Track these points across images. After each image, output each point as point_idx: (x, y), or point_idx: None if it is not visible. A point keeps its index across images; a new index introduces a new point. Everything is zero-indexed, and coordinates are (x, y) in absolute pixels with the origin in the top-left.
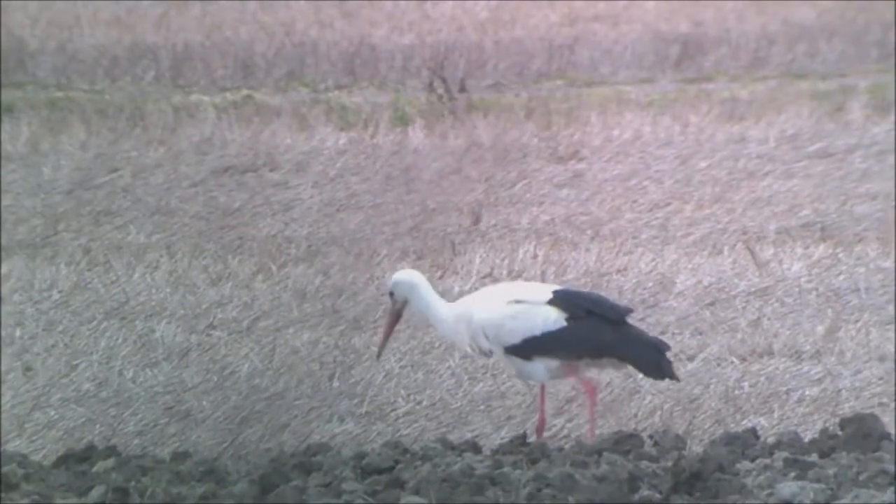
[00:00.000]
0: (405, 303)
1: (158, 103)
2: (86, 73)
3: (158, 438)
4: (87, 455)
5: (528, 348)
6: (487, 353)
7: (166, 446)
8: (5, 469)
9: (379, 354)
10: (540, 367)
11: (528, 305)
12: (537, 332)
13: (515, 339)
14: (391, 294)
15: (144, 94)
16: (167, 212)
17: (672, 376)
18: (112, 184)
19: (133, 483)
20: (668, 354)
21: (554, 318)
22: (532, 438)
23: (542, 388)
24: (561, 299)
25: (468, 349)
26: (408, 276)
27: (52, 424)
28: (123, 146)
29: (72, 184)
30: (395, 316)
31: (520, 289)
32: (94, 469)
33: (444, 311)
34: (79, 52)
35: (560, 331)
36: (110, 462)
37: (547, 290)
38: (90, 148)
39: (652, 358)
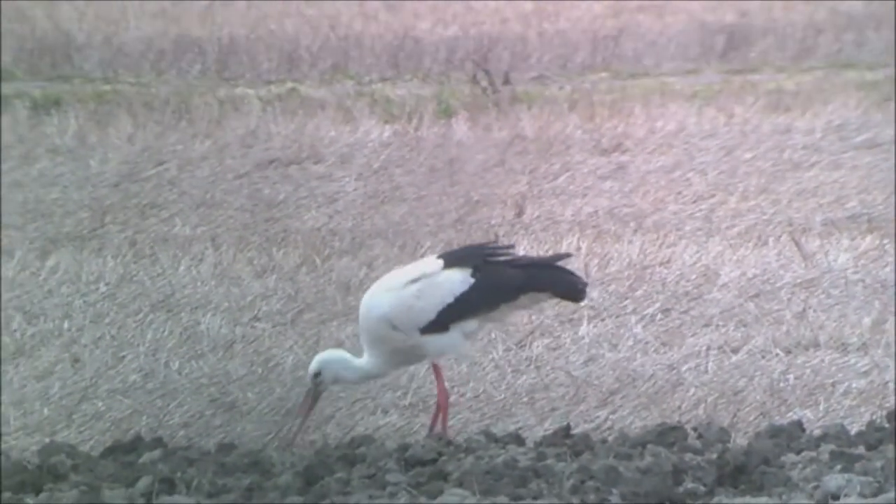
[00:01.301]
0: (335, 381)
1: (204, 96)
2: (132, 67)
3: (204, 430)
4: (133, 446)
5: (445, 318)
6: (406, 361)
7: (212, 438)
8: (54, 459)
9: (292, 442)
10: (456, 336)
11: (428, 279)
12: (449, 298)
13: (430, 315)
14: (316, 375)
15: (190, 87)
16: (212, 204)
17: (584, 296)
18: (158, 177)
19: (179, 474)
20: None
21: (460, 279)
22: (437, 430)
23: (437, 367)
24: (455, 260)
25: (391, 370)
26: (331, 356)
27: (100, 415)
28: (169, 139)
29: (119, 177)
30: (315, 398)
31: (406, 271)
32: (141, 460)
33: (359, 365)
34: (125, 46)
35: (472, 288)
36: (157, 453)
37: (434, 260)
38: (137, 141)
39: (568, 280)
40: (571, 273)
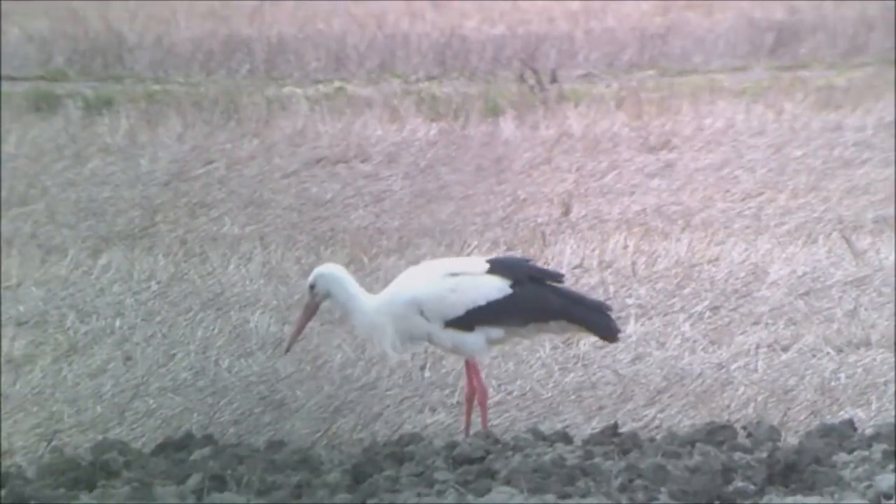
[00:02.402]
0: (326, 296)
1: (252, 96)
2: (182, 67)
3: (254, 427)
4: (184, 443)
5: (472, 319)
6: (412, 340)
7: (261, 435)
8: (107, 456)
9: (288, 349)
10: (480, 338)
11: (469, 277)
12: (482, 301)
13: (458, 311)
14: (311, 287)
15: (239, 86)
16: (261, 203)
17: (616, 338)
18: (207, 176)
19: (229, 471)
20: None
21: (498, 287)
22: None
23: (472, 364)
24: (500, 267)
25: (388, 346)
26: (331, 269)
27: (151, 413)
28: (218, 138)
29: (169, 175)
30: (312, 310)
31: (451, 263)
32: (192, 457)
33: (366, 304)
34: (176, 46)
35: (507, 298)
36: (207, 450)
37: (481, 261)
38: (186, 140)
39: (602, 319)
40: (609, 317)
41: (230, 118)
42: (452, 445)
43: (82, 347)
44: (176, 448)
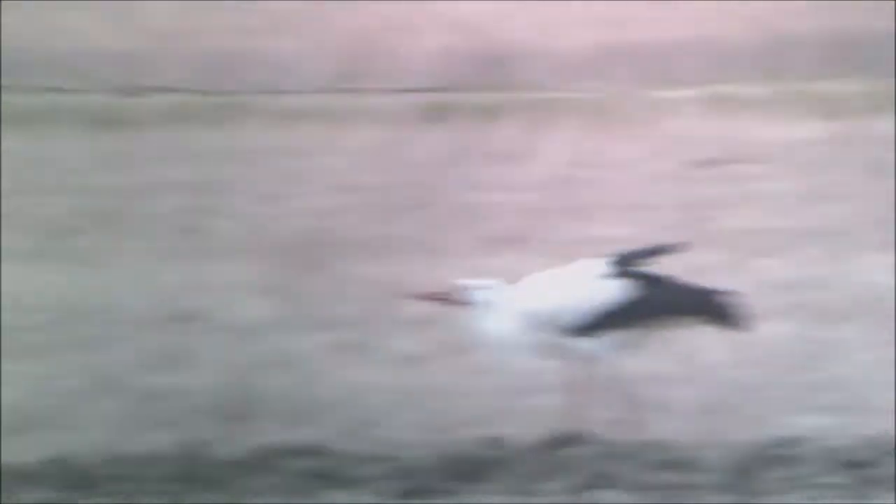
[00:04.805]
0: (474, 303)
1: (636, 99)
2: (569, 74)
3: (628, 427)
4: (566, 440)
5: (595, 324)
6: (537, 351)
7: (637, 434)
8: (492, 452)
9: (411, 296)
10: (605, 344)
11: (588, 281)
12: (603, 305)
13: (581, 317)
14: (472, 288)
15: (623, 91)
16: (642, 206)
17: (746, 326)
18: (587, 180)
19: (609, 469)
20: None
21: (619, 289)
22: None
23: (578, 370)
24: (617, 267)
25: (513, 358)
26: (488, 283)
27: (534, 410)
28: (599, 143)
29: (550, 180)
30: (453, 301)
31: (563, 270)
32: (573, 454)
33: (492, 316)
34: (564, 54)
35: (631, 298)
36: (588, 448)
37: (594, 262)
38: (568, 145)
39: (729, 309)
40: (735, 302)
41: (614, 122)
42: (840, 449)
43: (469, 345)
44: (558, 445)
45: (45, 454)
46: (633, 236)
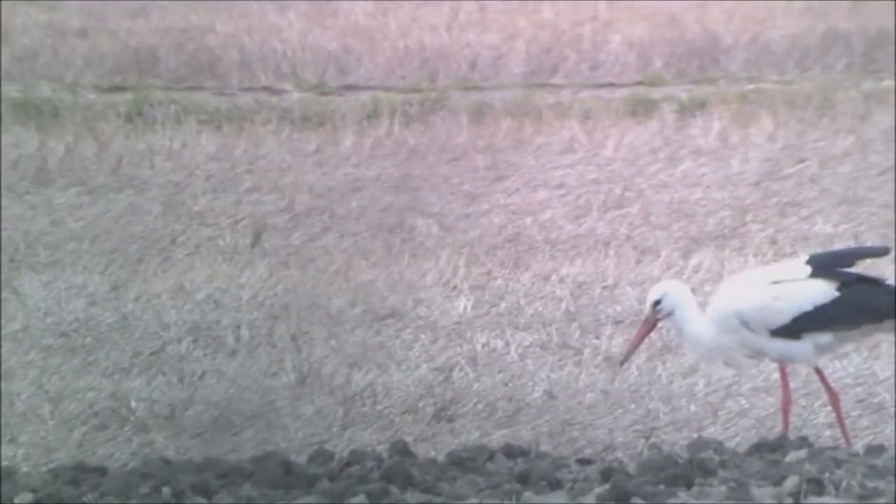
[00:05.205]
0: (669, 315)
1: (848, 91)
2: (776, 65)
3: (851, 430)
4: (779, 444)
5: (799, 326)
6: (741, 353)
7: (860, 439)
8: (702, 455)
9: (623, 362)
10: (808, 346)
11: (791, 283)
12: (808, 307)
13: (784, 319)
14: (656, 303)
15: (835, 82)
16: (854, 201)
17: None
18: (799, 174)
19: (826, 475)
20: None
21: (824, 291)
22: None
23: (784, 371)
24: (823, 270)
25: (719, 363)
26: (676, 287)
27: (744, 413)
28: (811, 136)
29: (759, 175)
30: (651, 326)
31: (768, 271)
32: (787, 459)
33: (698, 323)
34: (771, 44)
35: (833, 302)
36: (802, 452)
37: (800, 264)
38: (778, 139)
39: None
40: None
41: (824, 115)
42: None
43: (675, 347)
44: (770, 449)
45: (256, 452)
46: (847, 232)
